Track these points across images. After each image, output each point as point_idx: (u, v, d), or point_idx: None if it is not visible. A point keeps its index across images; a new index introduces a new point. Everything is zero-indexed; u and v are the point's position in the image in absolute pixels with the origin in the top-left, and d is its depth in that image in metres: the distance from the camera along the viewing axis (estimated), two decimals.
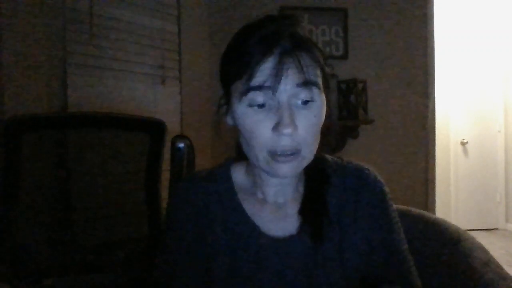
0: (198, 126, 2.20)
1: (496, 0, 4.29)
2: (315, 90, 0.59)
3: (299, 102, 0.58)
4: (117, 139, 1.32)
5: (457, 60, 4.41)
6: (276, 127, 0.57)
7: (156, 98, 2.03)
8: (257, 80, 0.57)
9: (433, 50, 2.75)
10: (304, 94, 0.58)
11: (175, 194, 0.71)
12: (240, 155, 0.68)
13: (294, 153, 0.59)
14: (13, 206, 1.12)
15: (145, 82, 1.98)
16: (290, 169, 0.60)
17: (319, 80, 0.60)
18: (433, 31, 2.74)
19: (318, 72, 0.60)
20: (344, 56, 2.59)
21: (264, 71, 0.57)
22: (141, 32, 1.96)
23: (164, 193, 1.30)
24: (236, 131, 0.64)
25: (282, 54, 0.57)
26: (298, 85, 0.57)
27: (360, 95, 2.48)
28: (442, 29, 3.86)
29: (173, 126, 2.01)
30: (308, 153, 0.61)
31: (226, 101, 0.65)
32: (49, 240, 1.22)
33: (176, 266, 0.68)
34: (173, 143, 1.27)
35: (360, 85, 2.48)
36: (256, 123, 0.58)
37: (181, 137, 1.31)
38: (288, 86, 0.57)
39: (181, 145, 1.27)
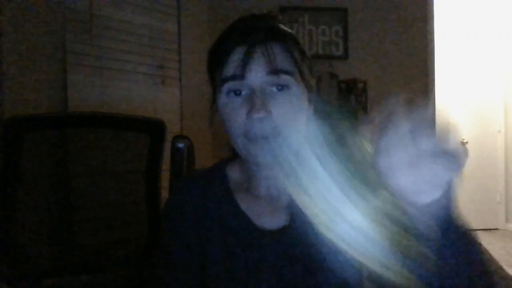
0: (198, 126, 2.20)
1: (496, 0, 4.29)
2: (287, 78, 0.61)
3: (274, 88, 0.61)
4: (117, 139, 1.32)
5: (457, 60, 4.41)
6: (249, 112, 0.59)
7: (156, 98, 2.03)
8: (229, 70, 0.61)
9: (433, 50, 2.75)
10: (276, 82, 0.61)
11: (172, 193, 0.73)
12: (235, 153, 0.69)
13: (270, 137, 0.61)
14: (13, 206, 1.12)
15: (145, 82, 1.98)
16: (266, 155, 0.61)
17: (293, 69, 0.62)
18: (433, 31, 2.74)
19: (291, 62, 0.62)
20: (344, 56, 2.59)
21: (235, 61, 0.60)
22: (141, 32, 1.96)
23: (164, 193, 1.30)
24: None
25: (252, 44, 0.60)
26: (269, 73, 0.60)
27: (360, 95, 2.48)
28: (442, 29, 3.86)
29: (173, 126, 2.01)
30: (288, 139, 0.61)
31: (214, 96, 0.67)
32: (49, 240, 1.22)
33: (174, 263, 0.68)
34: (173, 143, 1.27)
35: (360, 85, 2.48)
36: (233, 110, 0.61)
37: (181, 137, 1.31)
38: (259, 74, 0.60)
39: (181, 145, 1.27)
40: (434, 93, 2.77)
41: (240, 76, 0.60)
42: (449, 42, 4.28)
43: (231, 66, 0.60)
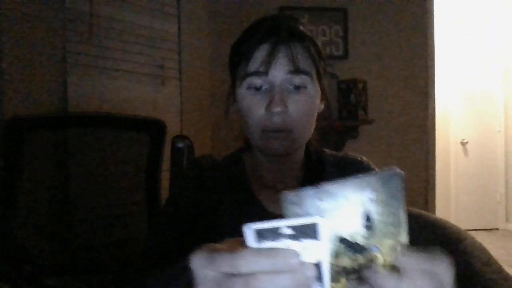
0: (198, 126, 2.20)
1: (496, 0, 4.29)
2: (306, 78, 0.65)
3: (292, 87, 0.65)
4: (117, 139, 1.32)
5: (457, 60, 4.41)
6: (268, 106, 0.63)
7: (156, 98, 2.03)
8: (253, 65, 0.64)
9: (433, 50, 2.75)
10: (295, 80, 0.64)
11: (190, 165, 0.76)
12: (248, 144, 0.74)
13: (285, 131, 0.64)
14: (13, 206, 1.11)
15: (145, 82, 1.98)
16: (280, 146, 0.65)
17: (311, 71, 0.66)
18: (433, 30, 2.74)
19: (311, 63, 0.66)
20: (344, 56, 2.59)
21: (259, 58, 0.64)
22: (141, 32, 1.96)
23: (164, 193, 1.30)
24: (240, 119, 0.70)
25: (276, 43, 0.63)
26: (290, 72, 0.64)
27: (360, 95, 2.48)
28: (442, 29, 3.86)
29: (173, 126, 2.01)
30: (299, 135, 0.66)
31: (232, 88, 0.71)
32: (49, 240, 1.22)
33: (174, 222, 0.69)
34: (173, 143, 1.27)
35: (360, 85, 2.48)
36: (253, 103, 0.65)
37: (181, 137, 1.31)
38: (280, 72, 0.64)
39: (181, 145, 1.27)
40: (434, 93, 2.77)
41: (263, 72, 0.63)
42: (449, 41, 4.28)
43: (255, 62, 0.64)
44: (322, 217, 0.35)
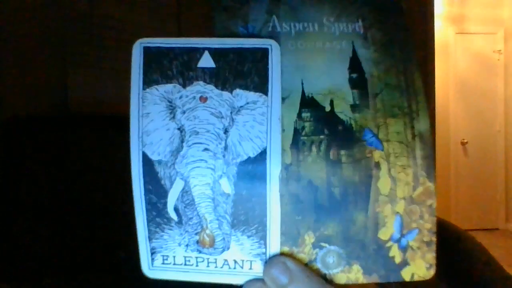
0: None
1: (496, 0, 4.29)
2: None
3: None
4: (117, 139, 1.32)
5: (457, 59, 4.42)
6: None
7: None
8: None
9: (433, 49, 2.75)
10: None
11: None
12: None
13: None
14: (13, 206, 1.12)
15: None
16: None
17: None
18: (433, 30, 2.74)
19: None
20: None
21: None
22: (141, 32, 1.96)
23: None
24: None
25: None
26: None
27: None
28: (442, 29, 3.86)
29: None
30: None
31: None
32: (49, 240, 1.22)
33: None
34: None
35: None
36: None
37: None
38: None
39: None
40: (434, 93, 2.76)
41: None
42: (449, 41, 4.28)
43: None
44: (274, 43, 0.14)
